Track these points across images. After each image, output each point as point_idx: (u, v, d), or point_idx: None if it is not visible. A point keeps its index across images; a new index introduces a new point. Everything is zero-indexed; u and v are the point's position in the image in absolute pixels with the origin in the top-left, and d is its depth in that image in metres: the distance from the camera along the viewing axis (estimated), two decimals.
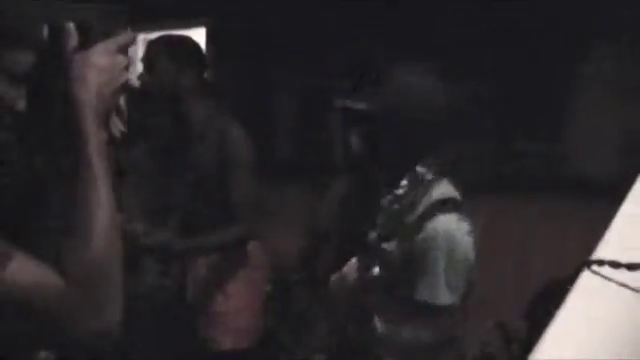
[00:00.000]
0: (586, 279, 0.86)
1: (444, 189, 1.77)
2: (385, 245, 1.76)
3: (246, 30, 4.56)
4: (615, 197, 1.07)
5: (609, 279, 0.83)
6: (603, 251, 0.89)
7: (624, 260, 0.83)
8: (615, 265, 0.83)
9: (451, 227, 1.69)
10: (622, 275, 0.82)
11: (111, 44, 1.14)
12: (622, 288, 0.82)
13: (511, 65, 3.51)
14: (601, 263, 0.84)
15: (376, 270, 1.76)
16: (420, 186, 1.74)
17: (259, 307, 2.60)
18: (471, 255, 1.73)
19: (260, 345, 3.42)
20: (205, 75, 2.50)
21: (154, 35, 2.65)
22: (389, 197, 1.79)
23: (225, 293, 2.44)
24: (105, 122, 1.09)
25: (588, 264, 0.85)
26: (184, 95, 2.36)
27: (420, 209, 1.72)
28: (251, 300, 2.51)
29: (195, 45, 2.46)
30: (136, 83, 2.46)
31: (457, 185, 1.80)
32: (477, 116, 3.61)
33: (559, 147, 3.35)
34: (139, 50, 2.67)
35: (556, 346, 0.78)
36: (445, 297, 1.69)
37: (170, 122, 2.45)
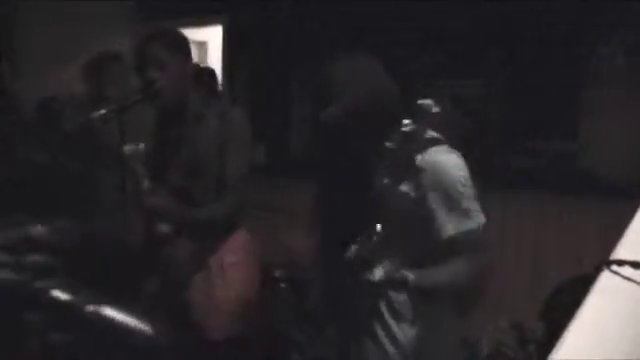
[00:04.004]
0: (606, 279, 0.85)
1: (428, 134, 1.86)
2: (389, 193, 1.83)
3: (261, 26, 4.57)
4: (634, 196, 1.06)
5: (630, 279, 0.82)
6: (623, 251, 0.88)
7: None
8: (636, 265, 0.82)
9: (444, 156, 1.77)
10: None
11: None
12: None
13: (525, 62, 3.49)
14: (621, 263, 0.83)
15: (378, 227, 1.81)
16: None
17: (251, 296, 2.54)
18: (468, 179, 1.78)
19: (272, 343, 3.44)
20: (197, 62, 2.55)
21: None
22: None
23: (226, 279, 2.44)
24: None
25: (608, 264, 0.84)
26: (181, 81, 2.39)
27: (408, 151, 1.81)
28: (248, 286, 2.50)
29: (178, 33, 2.50)
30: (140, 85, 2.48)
31: (439, 131, 1.88)
32: (490, 114, 3.60)
33: (577, 146, 3.33)
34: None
35: (575, 347, 0.77)
36: (470, 222, 1.74)
37: (170, 104, 2.46)
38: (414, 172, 1.77)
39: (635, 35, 3.15)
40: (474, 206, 1.76)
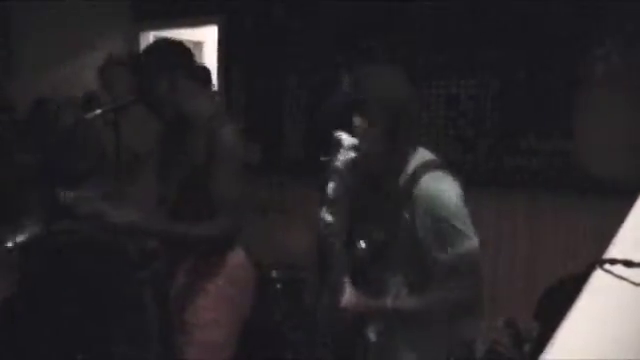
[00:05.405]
0: (598, 278, 0.85)
1: (422, 154, 1.89)
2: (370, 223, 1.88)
3: (257, 26, 4.57)
4: (628, 196, 1.07)
5: (622, 278, 0.82)
6: (616, 250, 0.88)
7: (637, 259, 0.82)
8: (628, 264, 0.82)
9: (438, 181, 1.81)
10: (635, 274, 0.82)
11: None
12: (634, 287, 0.81)
13: (521, 62, 3.49)
14: (613, 262, 0.84)
15: (362, 244, 1.86)
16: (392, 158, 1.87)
17: (232, 325, 2.43)
18: (462, 203, 1.81)
19: (268, 342, 3.45)
20: (198, 72, 2.51)
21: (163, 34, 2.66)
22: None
23: (195, 304, 2.36)
24: None
25: (600, 263, 0.85)
26: (180, 93, 2.37)
27: (404, 177, 1.84)
28: (223, 317, 2.38)
29: (179, 45, 2.47)
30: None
31: (432, 152, 1.92)
32: (485, 112, 3.60)
33: (570, 145, 3.33)
34: None
35: (568, 346, 0.77)
36: (469, 243, 1.77)
37: (166, 116, 2.44)
38: (409, 199, 1.80)
39: (630, 35, 3.16)
40: (467, 230, 1.78)
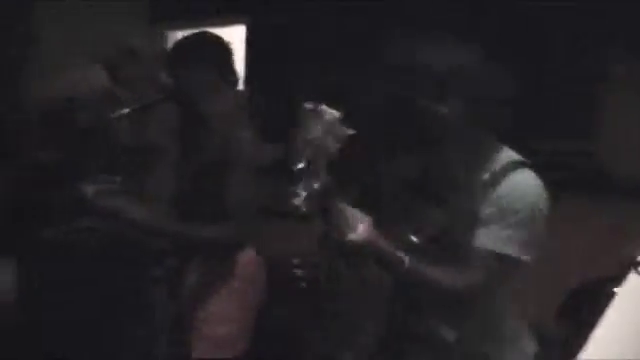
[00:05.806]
0: (633, 280, 0.86)
1: (510, 153, 1.75)
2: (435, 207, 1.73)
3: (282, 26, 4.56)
4: None
5: None
6: None
7: None
8: None
9: (528, 179, 1.68)
10: None
11: None
12: None
13: (539, 63, 3.48)
14: None
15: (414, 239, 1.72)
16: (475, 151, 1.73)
17: (243, 320, 2.46)
18: (542, 213, 1.67)
19: (284, 343, 3.45)
20: (228, 70, 2.48)
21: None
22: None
23: (207, 302, 2.40)
24: None
25: (635, 265, 0.85)
26: (205, 92, 2.37)
27: (490, 170, 1.69)
28: (233, 312, 2.42)
29: (214, 39, 2.46)
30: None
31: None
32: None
33: (598, 146, 3.31)
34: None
35: (603, 346, 0.78)
36: (511, 249, 1.64)
37: (191, 113, 2.46)
38: (488, 195, 1.66)
39: None
40: (530, 240, 1.66)
